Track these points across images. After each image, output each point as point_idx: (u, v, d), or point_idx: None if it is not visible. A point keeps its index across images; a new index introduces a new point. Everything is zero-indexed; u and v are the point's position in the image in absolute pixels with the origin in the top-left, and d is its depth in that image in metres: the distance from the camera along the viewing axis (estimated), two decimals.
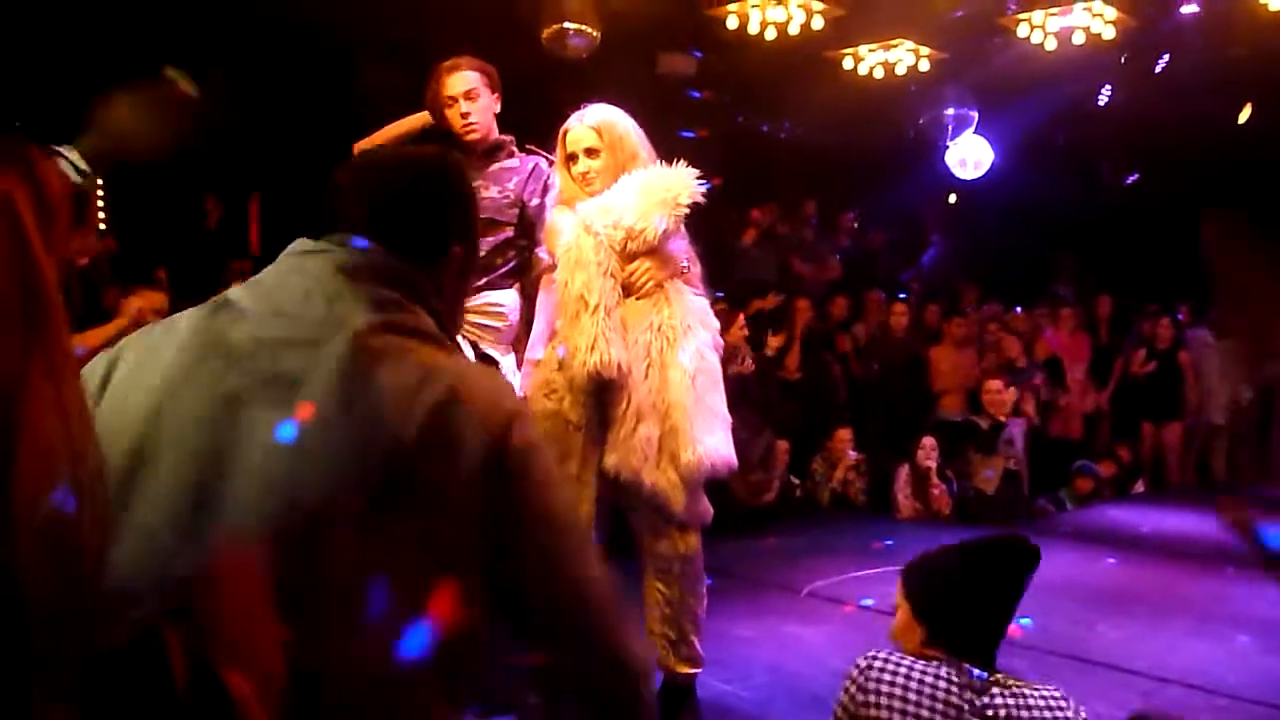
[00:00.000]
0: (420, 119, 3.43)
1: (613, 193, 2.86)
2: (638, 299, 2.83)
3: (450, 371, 1.10)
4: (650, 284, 2.83)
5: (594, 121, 2.93)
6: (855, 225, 9.13)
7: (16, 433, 0.53)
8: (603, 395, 2.80)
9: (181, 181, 6.77)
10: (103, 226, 7.29)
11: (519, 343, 3.37)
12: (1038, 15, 6.39)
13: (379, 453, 1.02)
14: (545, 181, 3.32)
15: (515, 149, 3.39)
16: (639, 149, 2.92)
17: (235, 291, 1.18)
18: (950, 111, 8.38)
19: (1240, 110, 8.00)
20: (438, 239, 1.24)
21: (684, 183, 2.83)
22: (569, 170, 2.97)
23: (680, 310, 2.83)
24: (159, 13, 5.85)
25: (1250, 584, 4.80)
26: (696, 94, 7.73)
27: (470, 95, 3.28)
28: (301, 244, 1.22)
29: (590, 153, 2.91)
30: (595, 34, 5.93)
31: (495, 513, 1.06)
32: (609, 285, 2.78)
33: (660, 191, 2.81)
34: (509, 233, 3.31)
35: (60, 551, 0.56)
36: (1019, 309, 8.63)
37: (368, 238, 1.19)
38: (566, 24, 5.89)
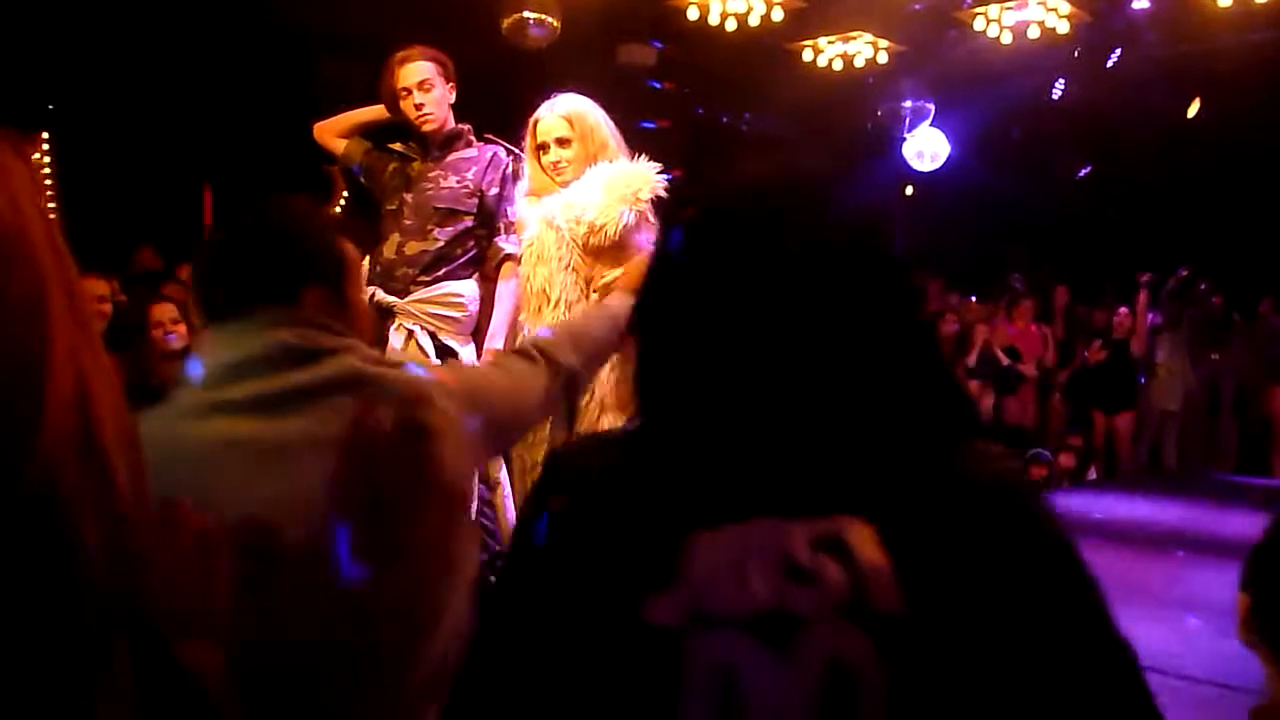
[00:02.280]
0: (379, 110, 3.41)
1: (577, 187, 2.87)
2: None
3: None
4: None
5: (565, 111, 2.94)
6: None
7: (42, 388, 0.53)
8: None
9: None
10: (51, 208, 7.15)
11: (479, 332, 3.37)
12: (993, 9, 6.47)
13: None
14: (504, 171, 3.32)
15: (473, 138, 3.38)
16: (609, 139, 2.94)
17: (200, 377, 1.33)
18: (907, 104, 8.45)
19: (1189, 105, 8.16)
20: (290, 282, 1.35)
21: (645, 178, 2.84)
22: (539, 160, 2.98)
23: None
24: (121, 2, 5.75)
25: (1200, 568, 4.91)
26: (657, 84, 7.74)
27: (424, 86, 3.27)
28: (224, 329, 1.34)
29: (561, 142, 2.92)
30: (555, 24, 5.91)
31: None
32: (570, 280, 2.80)
33: (622, 186, 2.82)
34: (468, 222, 3.30)
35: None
36: (974, 298, 8.74)
37: (267, 299, 1.33)
38: (526, 14, 5.87)
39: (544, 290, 2.81)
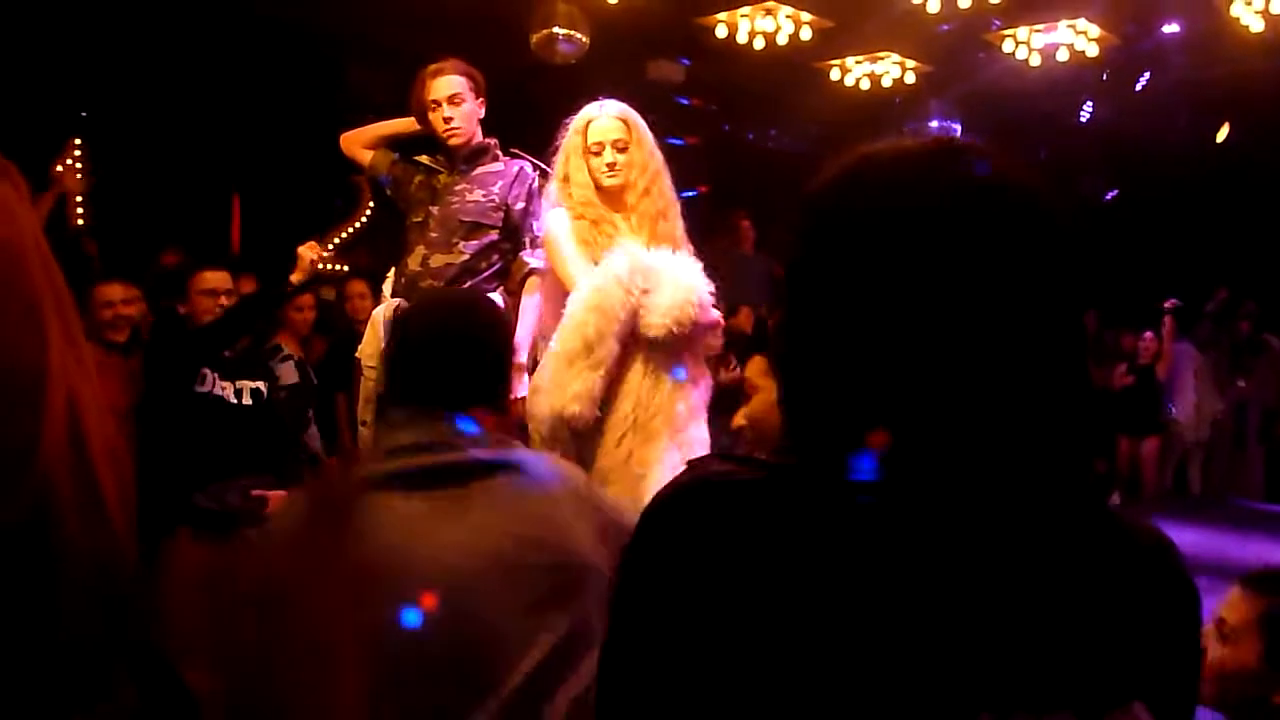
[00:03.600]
0: (408, 123, 3.43)
1: (659, 257, 2.81)
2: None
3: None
4: None
5: (619, 112, 2.94)
6: None
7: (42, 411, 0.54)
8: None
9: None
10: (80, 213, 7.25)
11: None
12: (1023, 31, 6.45)
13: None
14: (530, 185, 3.34)
15: (500, 152, 3.40)
16: (655, 149, 2.96)
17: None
18: (934, 124, 8.42)
19: (1218, 128, 8.10)
20: (486, 386, 1.56)
21: (690, 303, 2.77)
22: (588, 162, 2.94)
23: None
24: (152, 10, 5.83)
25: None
26: (685, 101, 7.74)
27: (454, 99, 3.30)
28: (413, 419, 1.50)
29: (618, 145, 2.90)
30: (584, 40, 5.94)
31: None
32: (616, 348, 2.74)
33: (679, 297, 2.76)
34: (493, 236, 3.32)
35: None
36: None
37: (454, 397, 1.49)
38: (556, 29, 5.89)
39: (590, 345, 2.73)
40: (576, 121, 2.97)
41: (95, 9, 5.84)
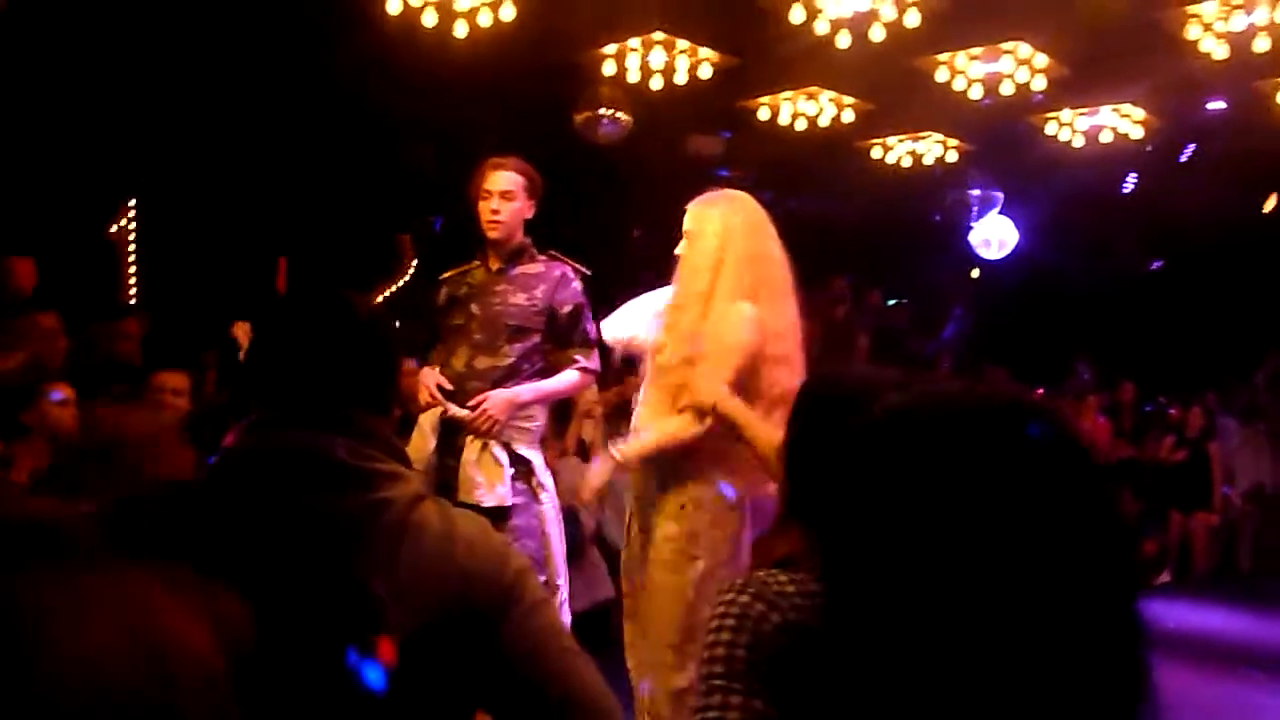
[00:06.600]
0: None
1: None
2: None
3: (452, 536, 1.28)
4: None
5: (693, 205, 2.89)
6: (884, 305, 9.14)
7: None
8: None
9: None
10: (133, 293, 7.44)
11: (545, 442, 3.41)
12: (1066, 114, 6.44)
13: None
14: (573, 287, 3.37)
15: (535, 251, 3.42)
16: (710, 264, 2.82)
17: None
18: (976, 193, 8.42)
19: (1264, 200, 8.02)
20: (387, 388, 1.38)
21: None
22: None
23: None
24: (217, 81, 6.01)
25: (1275, 692, 4.70)
26: (725, 173, 7.80)
27: (506, 195, 3.34)
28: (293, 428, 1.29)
29: (684, 234, 2.88)
30: (627, 120, 6.02)
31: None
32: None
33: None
34: (537, 339, 3.34)
35: None
36: (1040, 391, 8.58)
37: (346, 404, 1.30)
38: (600, 110, 5.98)
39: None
40: None
41: (148, 81, 6.04)
